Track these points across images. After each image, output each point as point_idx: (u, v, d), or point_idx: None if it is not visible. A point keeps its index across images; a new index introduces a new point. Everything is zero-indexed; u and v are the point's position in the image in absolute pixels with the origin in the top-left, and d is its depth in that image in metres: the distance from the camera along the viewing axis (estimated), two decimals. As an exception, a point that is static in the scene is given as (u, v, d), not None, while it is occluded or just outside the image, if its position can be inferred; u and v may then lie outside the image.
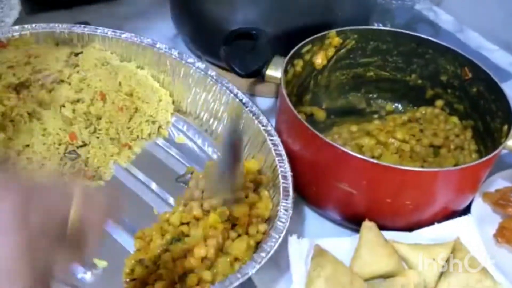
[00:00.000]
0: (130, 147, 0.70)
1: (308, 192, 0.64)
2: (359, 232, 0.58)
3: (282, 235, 0.55)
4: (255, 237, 0.57)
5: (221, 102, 0.71)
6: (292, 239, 0.57)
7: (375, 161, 0.54)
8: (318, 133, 0.56)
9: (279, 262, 0.61)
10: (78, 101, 0.70)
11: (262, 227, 0.58)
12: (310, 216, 0.67)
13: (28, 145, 0.65)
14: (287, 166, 0.61)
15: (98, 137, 0.69)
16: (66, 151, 0.67)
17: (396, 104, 0.77)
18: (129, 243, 0.59)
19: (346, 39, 0.71)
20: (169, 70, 0.75)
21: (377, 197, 0.58)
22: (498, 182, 0.68)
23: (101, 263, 0.57)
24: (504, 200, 0.64)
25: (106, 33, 0.76)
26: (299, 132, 0.60)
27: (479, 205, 0.65)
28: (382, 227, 0.58)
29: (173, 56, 0.74)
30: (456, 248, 0.58)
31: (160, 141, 0.73)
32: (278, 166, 0.61)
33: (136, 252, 0.57)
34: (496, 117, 0.63)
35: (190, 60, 0.73)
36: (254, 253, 0.54)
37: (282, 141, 0.63)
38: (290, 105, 0.59)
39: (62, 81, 0.71)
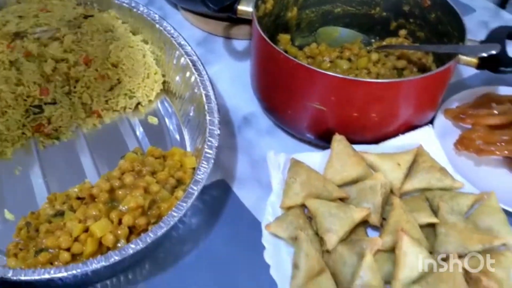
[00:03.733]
0: (99, 116, 0.71)
1: (284, 116, 0.69)
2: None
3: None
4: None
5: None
6: (270, 154, 0.63)
7: (341, 75, 0.59)
8: (289, 56, 0.61)
9: (260, 179, 0.67)
10: (62, 60, 0.71)
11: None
12: (286, 139, 0.72)
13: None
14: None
15: (70, 99, 0.71)
16: (32, 104, 0.68)
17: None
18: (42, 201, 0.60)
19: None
20: (166, 49, 0.74)
21: (345, 112, 0.63)
22: (459, 101, 0.74)
23: (10, 215, 0.60)
24: (463, 114, 0.70)
25: (122, 3, 0.78)
26: (273, 59, 0.64)
27: (441, 121, 0.71)
28: (352, 141, 0.63)
29: (171, 35, 0.73)
30: (418, 154, 0.64)
31: (132, 117, 0.73)
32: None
33: (30, 215, 0.58)
34: (452, 37, 0.69)
35: (183, 42, 0.72)
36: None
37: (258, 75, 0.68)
38: (261, 31, 0.63)
39: (58, 39, 0.73)
